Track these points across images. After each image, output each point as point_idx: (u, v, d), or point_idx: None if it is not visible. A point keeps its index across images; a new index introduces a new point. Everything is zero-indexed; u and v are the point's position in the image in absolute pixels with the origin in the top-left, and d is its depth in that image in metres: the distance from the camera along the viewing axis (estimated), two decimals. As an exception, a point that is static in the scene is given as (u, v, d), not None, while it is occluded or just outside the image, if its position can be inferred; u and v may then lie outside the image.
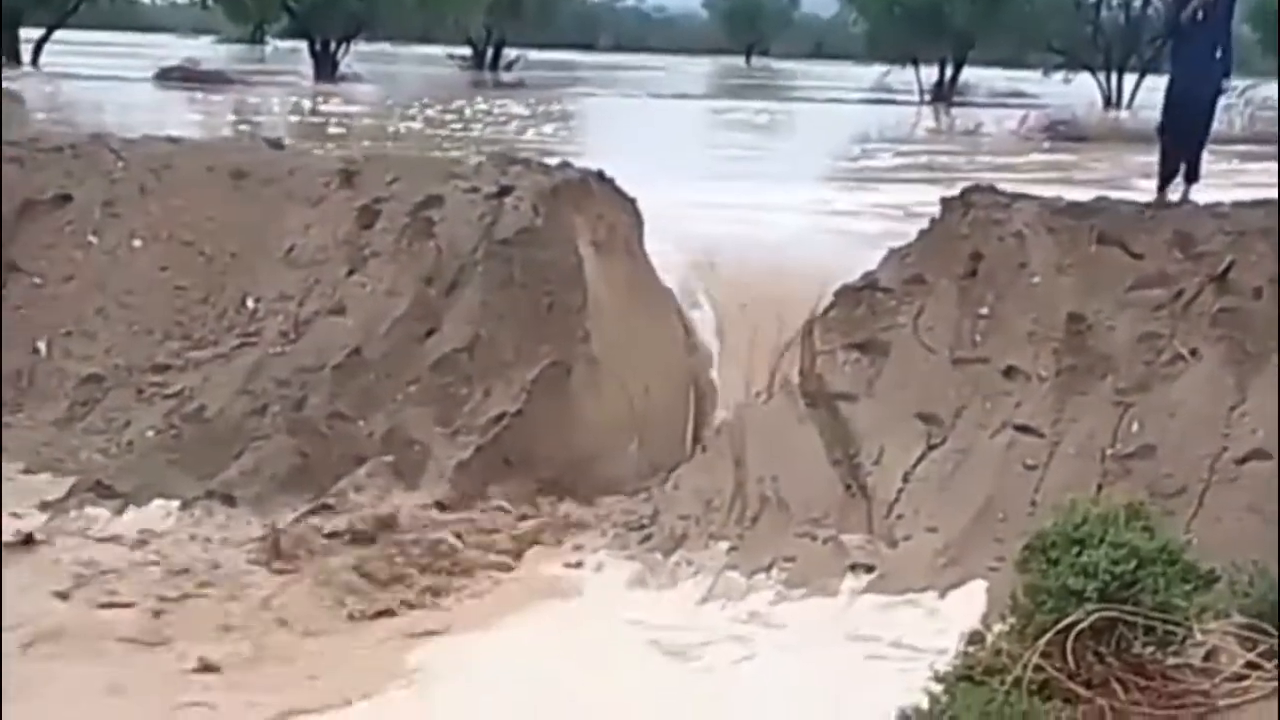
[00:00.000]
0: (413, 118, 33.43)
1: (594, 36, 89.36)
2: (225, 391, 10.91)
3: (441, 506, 9.94)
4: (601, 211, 12.07)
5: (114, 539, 9.42)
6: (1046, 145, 31.53)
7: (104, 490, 9.97)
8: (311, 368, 10.92)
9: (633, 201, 12.25)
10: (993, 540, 8.97)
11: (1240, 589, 7.77)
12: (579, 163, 12.78)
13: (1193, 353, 9.71)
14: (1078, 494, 8.63)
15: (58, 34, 54.05)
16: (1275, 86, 38.46)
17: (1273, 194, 11.76)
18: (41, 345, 12.01)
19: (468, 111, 35.92)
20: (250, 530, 9.56)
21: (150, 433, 10.82)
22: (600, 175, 12.22)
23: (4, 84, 37.75)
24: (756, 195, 18.49)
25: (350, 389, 10.78)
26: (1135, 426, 9.46)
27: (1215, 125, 13.19)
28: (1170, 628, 7.00)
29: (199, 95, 39.35)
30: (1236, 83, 30.95)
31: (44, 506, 9.92)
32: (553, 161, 12.75)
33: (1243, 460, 9.03)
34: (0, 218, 12.52)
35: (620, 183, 12.40)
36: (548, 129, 32.06)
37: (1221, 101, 13.60)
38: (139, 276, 12.29)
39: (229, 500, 9.92)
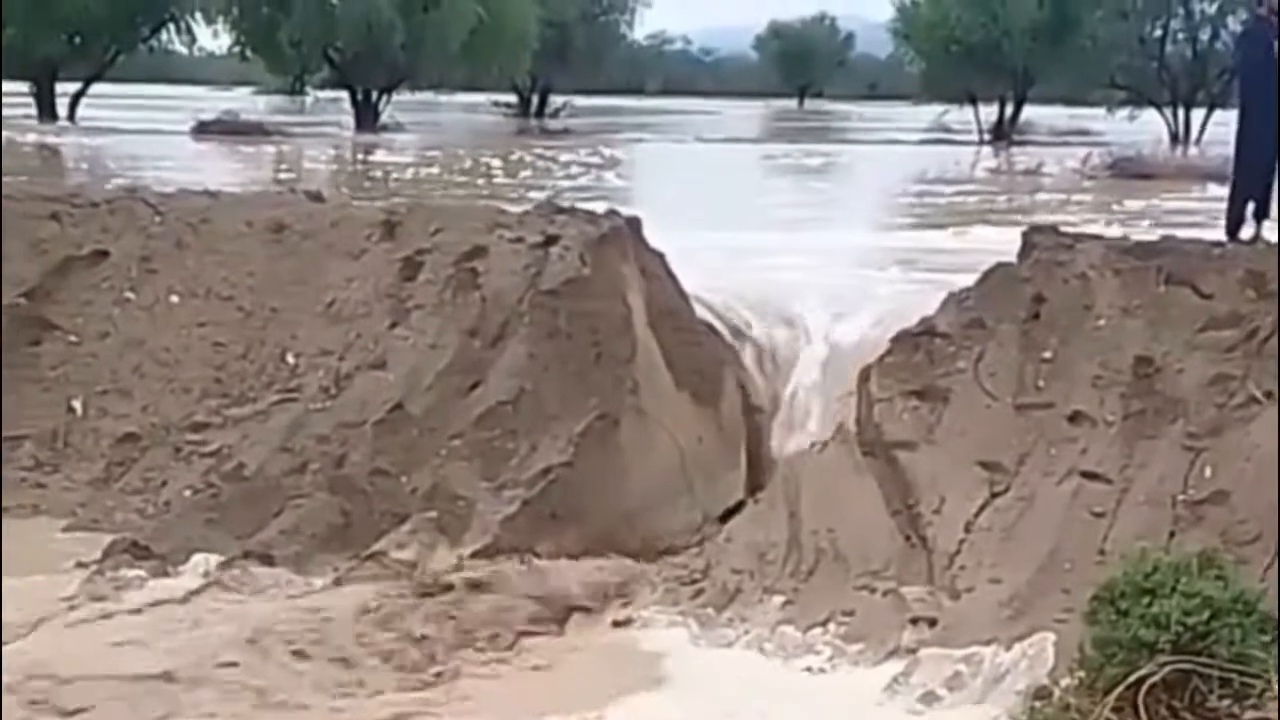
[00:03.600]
0: (456, 167, 33.65)
1: (642, 81, 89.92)
2: (264, 449, 10.95)
3: (487, 563, 9.95)
4: (649, 260, 12.12)
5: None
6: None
7: (140, 551, 10.01)
8: (353, 423, 10.95)
9: (660, 255, 12.26)
10: (1059, 591, 8.91)
11: (1319, 639, 7.72)
12: (627, 210, 12.81)
13: (1267, 395, 9.64)
14: (1148, 542, 8.59)
15: (95, 87, 54.71)
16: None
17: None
18: (78, 404, 12.09)
19: (513, 159, 36.13)
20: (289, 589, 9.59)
21: (188, 492, 10.87)
22: (636, 224, 12.26)
23: (42, 139, 38.20)
24: (810, 241, 18.57)
25: (392, 445, 10.81)
26: (1208, 472, 9.39)
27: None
28: (1247, 680, 6.96)
29: (238, 148, 39.72)
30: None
31: (80, 566, 9.95)
32: (600, 209, 12.78)
33: (1320, 506, 8.96)
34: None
35: (670, 230, 12.43)
36: (594, 176, 32.23)
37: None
38: (177, 333, 12.38)
39: (268, 560, 9.95)
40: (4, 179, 15.25)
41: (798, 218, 23.21)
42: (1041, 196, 28.57)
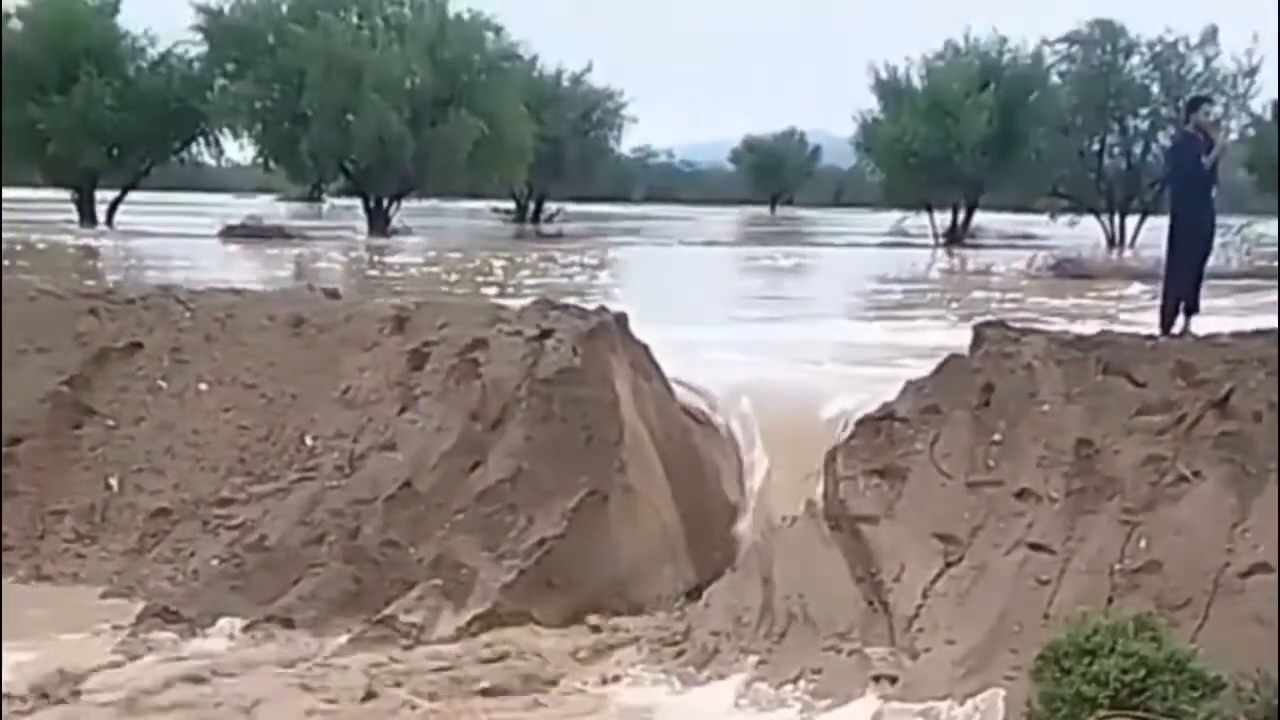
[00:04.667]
0: (460, 267, 33.77)
1: (628, 190, 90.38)
2: (285, 522, 10.95)
3: (486, 627, 9.95)
4: (635, 352, 12.21)
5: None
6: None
7: (170, 615, 10.01)
8: (365, 499, 10.97)
9: (645, 347, 12.35)
10: (1008, 651, 8.91)
11: (1246, 695, 7.76)
12: (615, 307, 12.91)
13: (1196, 474, 9.69)
14: (1088, 608, 8.63)
15: (131, 195, 54.98)
16: (1270, 225, 38.67)
17: (1270, 324, 11.83)
18: (114, 481, 12.09)
19: (511, 261, 36.28)
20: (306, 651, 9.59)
21: (214, 561, 10.86)
22: (623, 319, 12.34)
23: (82, 241, 38.29)
24: (783, 333, 18.66)
25: (401, 519, 10.82)
26: (1143, 543, 9.42)
27: (1212, 261, 13.29)
28: (1179, 732, 6.96)
29: (261, 250, 39.84)
30: (1233, 221, 31.26)
31: (115, 629, 9.95)
32: (590, 306, 12.88)
33: (1246, 574, 8.97)
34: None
35: (654, 323, 12.49)
36: (585, 276, 32.37)
37: (1218, 239, 13.73)
38: (205, 417, 12.40)
39: (288, 624, 9.95)
40: (48, 279, 15.37)
41: (772, 314, 23.33)
42: (992, 293, 28.68)
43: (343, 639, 9.69)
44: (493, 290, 25.84)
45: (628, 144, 74.99)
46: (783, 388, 13.23)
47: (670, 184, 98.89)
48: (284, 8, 51.74)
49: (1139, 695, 7.56)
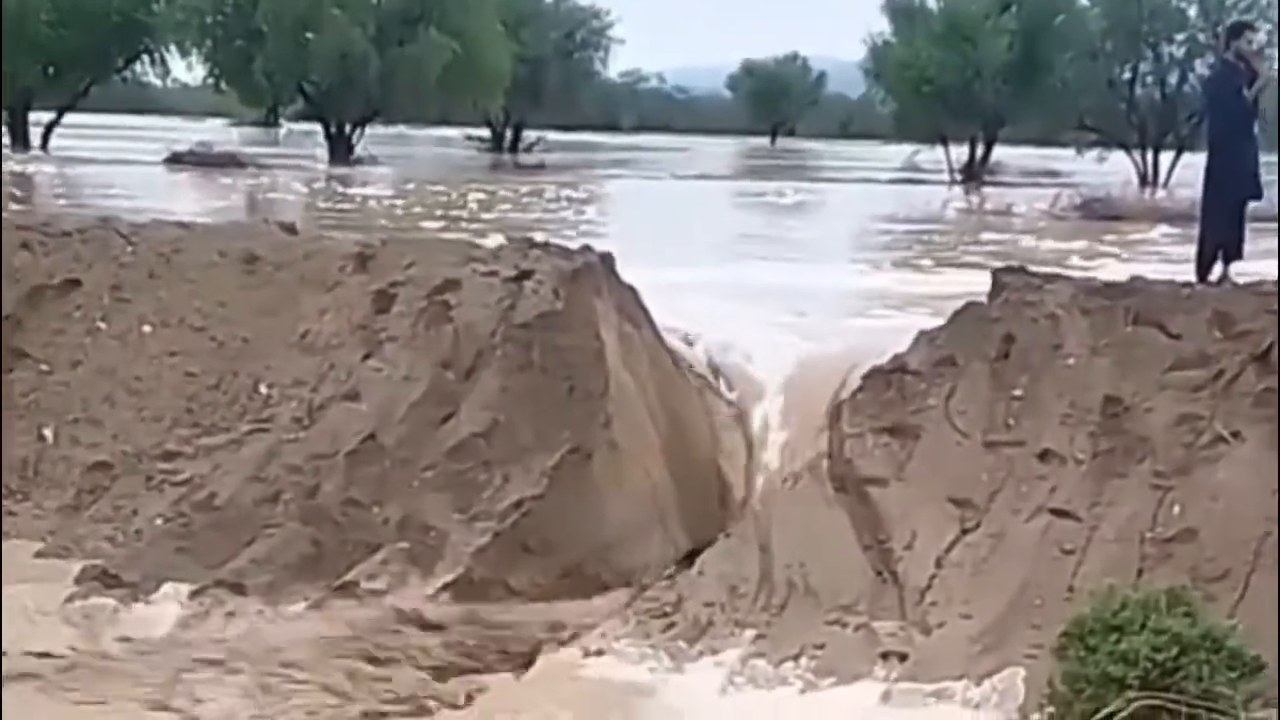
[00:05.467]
0: (430, 200, 33.68)
1: (616, 118, 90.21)
2: (236, 478, 10.92)
3: (458, 594, 9.95)
4: (622, 296, 12.17)
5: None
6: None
7: (110, 579, 9.98)
8: (325, 454, 10.93)
9: (634, 290, 12.32)
10: (1029, 627, 8.95)
11: (1287, 676, 7.76)
12: (601, 246, 12.85)
13: (1235, 435, 9.70)
14: (1116, 580, 8.64)
15: (68, 118, 54.72)
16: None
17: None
18: (48, 432, 12.05)
19: (486, 194, 36.19)
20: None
21: (159, 520, 10.84)
22: (609, 260, 12.30)
23: (12, 168, 38.13)
24: (781, 276, 18.64)
25: (365, 476, 10.79)
26: (1176, 510, 9.43)
27: (1255, 202, 13.25)
28: (1216, 716, 6.98)
29: (212, 178, 39.71)
30: (1275, 158, 31.25)
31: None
32: (574, 245, 12.82)
33: (1289, 544, 9.01)
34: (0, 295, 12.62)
35: (642, 265, 12.45)
36: (568, 212, 32.30)
37: (1260, 178, 13.68)
38: (148, 362, 12.35)
39: (239, 589, 9.93)
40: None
41: (769, 254, 23.31)
42: (1011, 235, 28.66)
43: (299, 606, 9.68)
44: (466, 226, 25.74)
45: (615, 68, 74.88)
46: (779, 337, 13.19)
47: (662, 111, 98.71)
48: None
49: (1171, 675, 7.56)
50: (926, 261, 22.65)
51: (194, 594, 9.85)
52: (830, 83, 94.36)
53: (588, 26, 66.83)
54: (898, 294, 17.26)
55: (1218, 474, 9.54)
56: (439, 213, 30.27)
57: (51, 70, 53.05)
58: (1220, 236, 12.70)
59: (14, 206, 23.12)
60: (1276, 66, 44.87)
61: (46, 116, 53.96)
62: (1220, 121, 13.06)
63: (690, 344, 12.86)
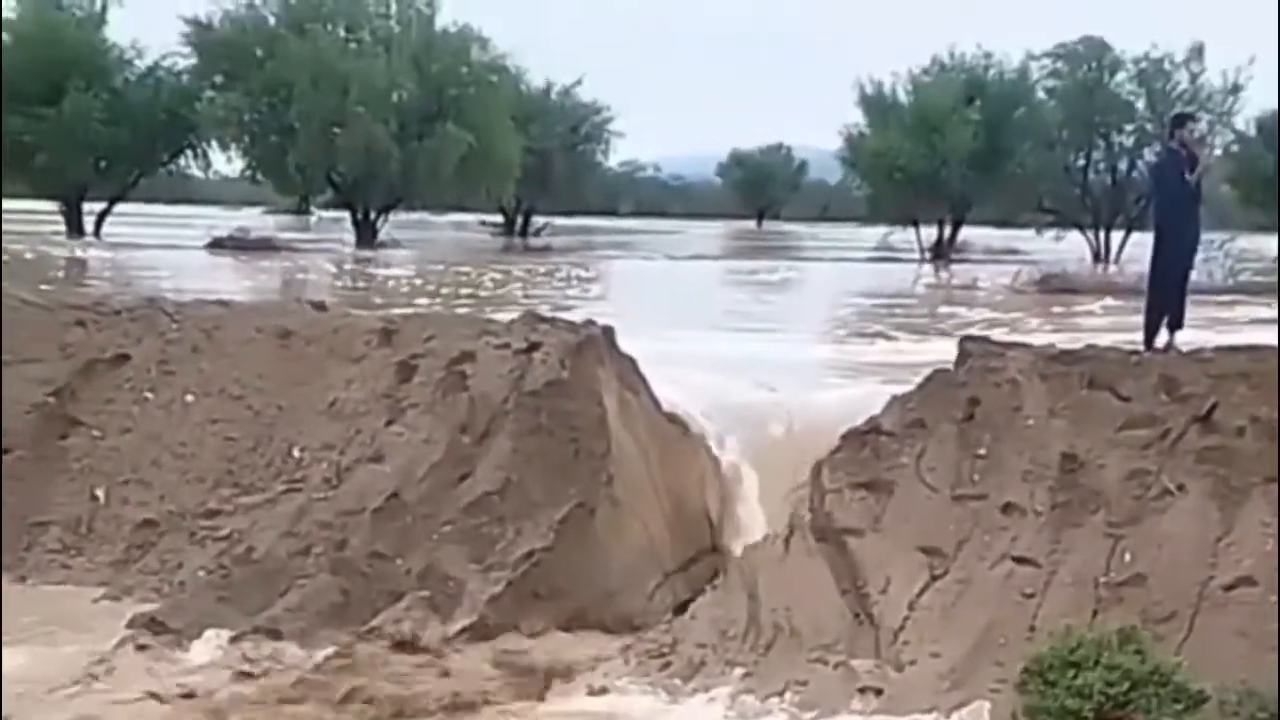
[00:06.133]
0: (448, 280, 33.76)
1: (615, 203, 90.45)
2: (272, 534, 10.95)
3: (473, 638, 9.95)
4: (621, 365, 12.23)
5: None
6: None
7: (157, 626, 9.98)
8: (352, 511, 10.96)
9: (632, 360, 12.38)
10: (993, 664, 8.97)
11: (1230, 708, 7.79)
12: (603, 320, 12.91)
13: (1179, 488, 9.75)
14: (1073, 621, 8.67)
15: (118, 207, 54.91)
16: (1253, 240, 38.85)
17: (1253, 339, 11.87)
18: (100, 493, 12.08)
19: (499, 274, 36.28)
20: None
21: (201, 572, 10.87)
22: (610, 333, 12.36)
23: (68, 253, 38.21)
24: (771, 347, 18.69)
25: (389, 530, 10.82)
26: (1127, 557, 9.47)
27: (1196, 276, 13.33)
28: (1162, 744, 6.99)
29: (249, 261, 39.80)
30: (1217, 236, 31.40)
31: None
32: (578, 319, 12.89)
33: (1230, 587, 9.04)
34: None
35: (642, 337, 12.51)
36: (573, 290, 32.38)
37: (1201, 255, 13.77)
38: (191, 429, 12.40)
39: (275, 634, 9.94)
40: (37, 288, 15.34)
41: (755, 326, 23.35)
42: (976, 309, 28.74)
43: (330, 650, 9.68)
44: (481, 304, 25.81)
45: (615, 158, 75.11)
46: (767, 401, 13.21)
47: (657, 198, 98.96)
48: (272, 20, 51.74)
49: (1123, 708, 7.60)
50: (900, 332, 22.68)
51: (234, 639, 9.86)
52: (811, 170, 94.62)
53: (590, 121, 67.06)
54: (872, 362, 17.29)
55: (1164, 524, 9.59)
56: (456, 291, 30.35)
57: (103, 164, 53.22)
58: (1165, 306, 12.76)
59: (70, 288, 23.22)
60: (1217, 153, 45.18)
61: (99, 206, 54.12)
62: (1165, 204, 13.14)
63: (684, 409, 12.87)
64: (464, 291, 29.89)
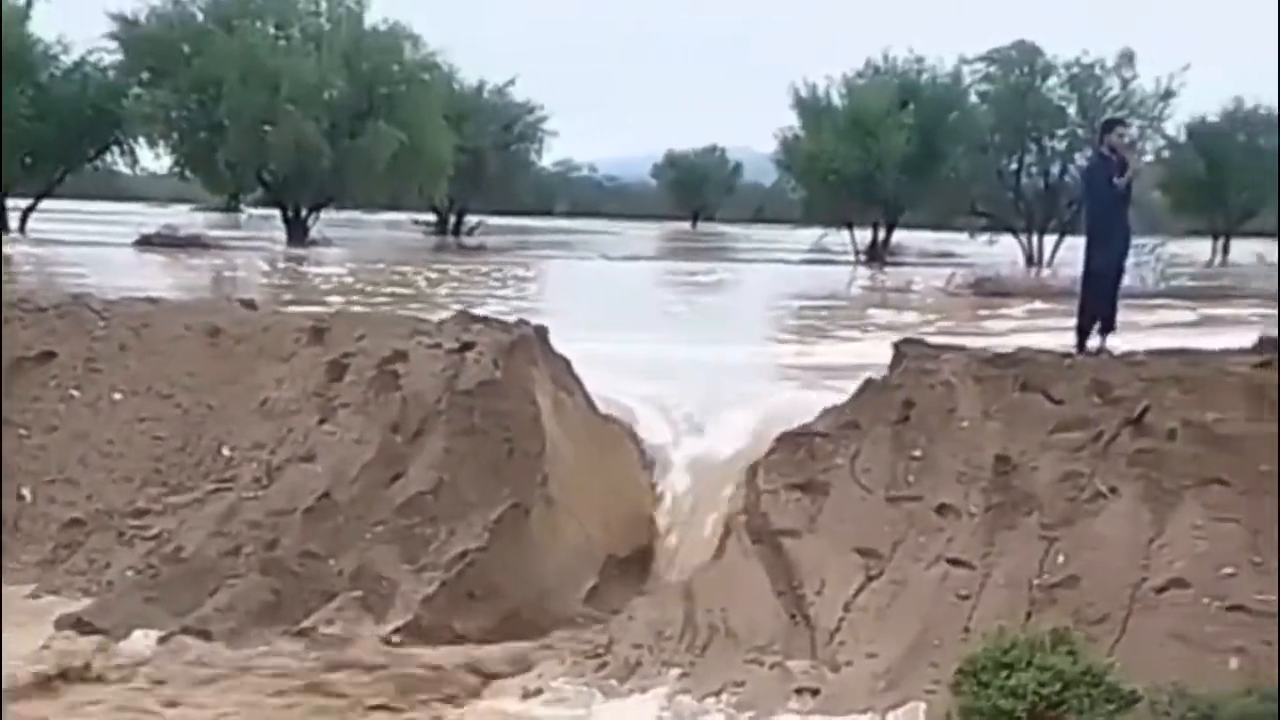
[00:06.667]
0: (381, 279, 33.58)
1: (550, 203, 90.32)
2: (201, 533, 10.87)
3: (407, 639, 9.91)
4: (555, 365, 12.23)
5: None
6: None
7: (85, 626, 9.88)
8: (284, 511, 10.91)
9: (567, 360, 12.38)
10: (929, 665, 9.03)
11: (1160, 709, 7.87)
12: (536, 320, 12.91)
13: (1112, 490, 9.84)
14: (1007, 622, 8.73)
15: (44, 204, 54.31)
16: (1181, 246, 39.32)
17: (1182, 344, 12.01)
18: (26, 492, 11.96)
19: (432, 273, 36.13)
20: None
21: (130, 572, 10.77)
22: (544, 332, 12.36)
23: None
24: (704, 348, 18.68)
25: (320, 530, 10.77)
26: (1060, 558, 9.55)
27: (1128, 280, 13.45)
28: (1095, 744, 7.05)
29: (178, 260, 39.46)
30: (1147, 241, 31.72)
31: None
32: (511, 319, 12.87)
33: (1162, 589, 9.12)
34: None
35: (576, 337, 12.50)
36: (507, 289, 32.28)
37: (1132, 259, 13.89)
38: (119, 427, 12.29)
39: (205, 635, 9.86)
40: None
41: (689, 327, 23.37)
42: (908, 311, 28.88)
43: (261, 649, 9.61)
44: (413, 302, 25.70)
45: (549, 158, 75.05)
46: (704, 402, 13.22)
47: (592, 198, 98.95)
48: (199, 17, 51.35)
49: (1056, 708, 7.66)
50: (839, 332, 22.75)
51: (162, 639, 9.77)
52: (746, 172, 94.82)
53: (524, 120, 66.98)
54: (804, 364, 17.32)
55: (1097, 526, 9.68)
56: (388, 290, 30.19)
57: (29, 160, 52.65)
58: (1096, 310, 12.87)
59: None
60: (1147, 158, 45.70)
61: (24, 203, 53.53)
62: (1095, 208, 13.25)
63: (620, 409, 12.87)
64: (402, 291, 29.74)
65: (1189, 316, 26.80)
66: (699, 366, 15.75)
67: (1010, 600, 9.37)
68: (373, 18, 53.07)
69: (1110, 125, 14.05)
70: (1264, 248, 53.12)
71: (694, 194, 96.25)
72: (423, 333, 12.39)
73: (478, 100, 63.56)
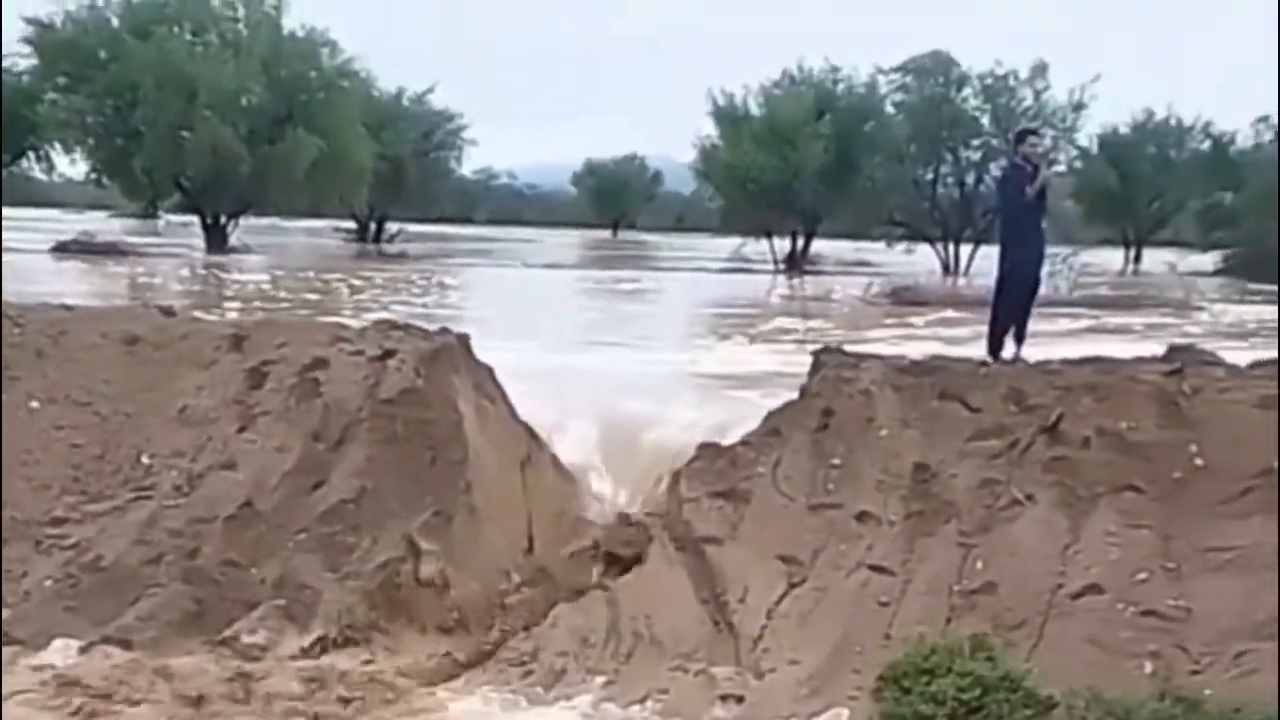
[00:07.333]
0: (299, 287, 33.37)
1: (471, 211, 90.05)
2: (122, 542, 10.73)
3: (331, 647, 9.84)
4: (478, 373, 12.19)
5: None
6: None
7: (4, 637, 9.74)
8: (204, 519, 10.80)
9: (489, 369, 12.34)
10: (851, 671, 9.07)
11: (1077, 714, 7.96)
12: (458, 328, 12.87)
13: (1028, 497, 9.94)
14: (927, 628, 8.80)
15: (-46, 209, 53.45)
16: (1093, 255, 39.78)
17: (1094, 352, 12.15)
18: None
19: (353, 280, 35.96)
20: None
21: (48, 582, 10.60)
22: (466, 341, 12.33)
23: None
24: (626, 356, 18.71)
25: (242, 539, 10.67)
26: (979, 565, 9.63)
27: (1042, 289, 13.58)
28: (1015, 748, 7.11)
29: (95, 266, 39.02)
30: (1061, 250, 32.09)
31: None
32: (432, 327, 12.82)
33: (1078, 595, 9.22)
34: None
35: (498, 346, 12.44)
36: (428, 297, 32.17)
37: (1046, 268, 14.03)
38: (36, 435, 12.07)
39: (125, 644, 9.75)
40: None
41: (610, 335, 23.36)
42: (829, 321, 29.04)
43: (183, 660, 9.51)
44: (334, 309, 25.55)
45: (469, 165, 74.86)
46: (624, 409, 13.22)
47: (513, 206, 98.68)
48: (115, 22, 50.84)
49: (975, 713, 7.74)
50: (754, 342, 22.82)
51: (83, 649, 9.65)
52: (665, 181, 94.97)
53: (443, 128, 66.82)
54: (726, 373, 17.36)
55: (1014, 533, 9.77)
56: (308, 297, 30.02)
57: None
58: (1010, 319, 12.99)
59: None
60: (1060, 168, 46.15)
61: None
62: (1008, 217, 13.36)
63: (542, 418, 12.84)
64: (323, 299, 29.57)
65: (1102, 324, 27.13)
66: (626, 375, 15.77)
67: (930, 606, 9.45)
68: (290, 23, 52.84)
69: (1023, 135, 14.20)
70: (1174, 257, 53.96)
71: (614, 202, 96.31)
72: (344, 340, 12.32)
73: (396, 108, 63.37)
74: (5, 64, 52.31)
